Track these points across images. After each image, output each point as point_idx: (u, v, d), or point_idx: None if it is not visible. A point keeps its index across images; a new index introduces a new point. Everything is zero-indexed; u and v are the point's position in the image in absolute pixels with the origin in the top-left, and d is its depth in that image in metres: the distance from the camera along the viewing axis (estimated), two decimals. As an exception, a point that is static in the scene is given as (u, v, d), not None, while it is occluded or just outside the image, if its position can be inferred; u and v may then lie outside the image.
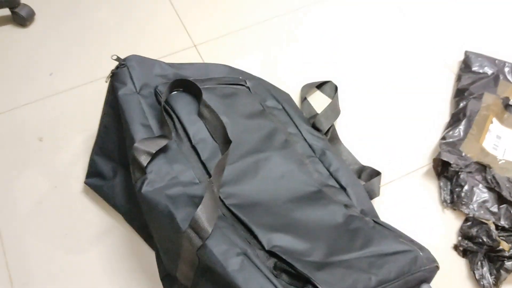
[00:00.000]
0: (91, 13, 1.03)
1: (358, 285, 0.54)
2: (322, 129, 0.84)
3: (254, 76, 0.87)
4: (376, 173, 0.81)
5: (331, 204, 0.68)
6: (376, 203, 0.81)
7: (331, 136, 0.86)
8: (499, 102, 0.91)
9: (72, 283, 0.72)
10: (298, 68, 0.97)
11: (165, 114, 0.69)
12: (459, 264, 0.77)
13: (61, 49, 0.97)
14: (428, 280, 0.61)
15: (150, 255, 0.74)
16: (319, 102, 0.92)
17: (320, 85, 0.94)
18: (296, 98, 0.92)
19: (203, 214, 0.56)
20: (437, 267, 0.62)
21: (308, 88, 0.93)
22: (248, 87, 0.82)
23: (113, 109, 0.72)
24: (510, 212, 0.78)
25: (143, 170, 0.62)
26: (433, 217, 0.81)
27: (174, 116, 0.70)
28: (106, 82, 0.74)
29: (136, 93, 0.70)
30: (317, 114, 0.88)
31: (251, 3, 1.06)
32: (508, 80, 0.95)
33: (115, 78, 0.72)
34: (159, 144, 0.64)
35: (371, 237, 0.62)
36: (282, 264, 0.55)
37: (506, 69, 0.96)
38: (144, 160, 0.62)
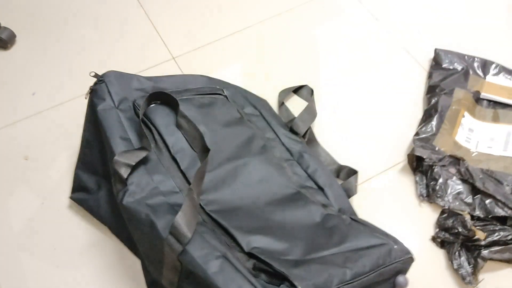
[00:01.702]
0: (70, 32, 1.05)
1: (334, 279, 0.56)
2: (300, 132, 0.87)
3: (231, 85, 0.89)
4: (353, 172, 0.84)
5: (309, 204, 0.71)
6: (355, 200, 0.83)
7: (309, 138, 0.89)
8: (469, 96, 0.94)
9: (62, 296, 0.74)
10: (275, 74, 1.00)
11: (144, 126, 0.71)
12: (438, 255, 0.79)
13: (43, 68, 0.99)
14: (403, 271, 0.64)
15: (136, 264, 0.76)
16: (296, 106, 0.95)
17: (296, 90, 0.97)
18: (274, 103, 0.95)
19: (182, 220, 0.58)
20: (412, 259, 0.64)
21: (285, 93, 0.96)
22: (225, 96, 0.85)
23: (94, 125, 0.74)
24: (484, 202, 0.81)
25: (124, 182, 0.64)
26: (410, 211, 0.83)
27: (153, 128, 0.72)
28: (86, 98, 0.76)
29: (115, 108, 0.73)
30: (295, 118, 0.91)
31: (227, 14, 1.09)
32: (478, 75, 0.98)
33: (94, 94, 0.74)
34: (138, 156, 0.66)
35: (346, 234, 0.65)
36: (260, 264, 0.58)
37: (476, 64, 0.99)
38: (124, 172, 0.64)
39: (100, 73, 0.77)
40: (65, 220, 0.81)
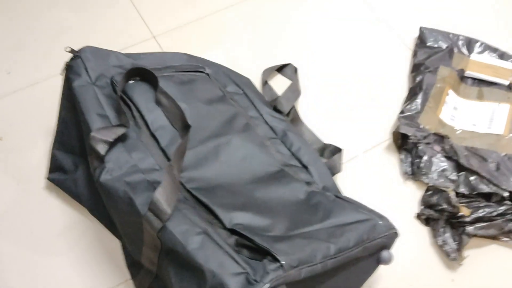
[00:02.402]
0: (46, 9, 1.02)
1: (317, 254, 0.55)
2: (283, 110, 0.85)
3: (213, 63, 0.87)
4: (337, 150, 0.83)
5: (293, 182, 0.69)
6: (340, 179, 0.82)
7: (293, 117, 0.87)
8: (454, 74, 0.94)
9: (40, 280, 0.72)
10: (259, 53, 0.98)
11: (123, 103, 0.69)
12: (423, 232, 0.79)
13: (18, 47, 0.96)
14: (387, 246, 0.63)
15: (116, 245, 0.75)
16: (280, 85, 0.93)
17: (280, 68, 0.95)
18: (257, 82, 0.93)
19: (162, 196, 0.56)
20: (396, 234, 0.64)
21: (269, 72, 0.94)
22: (207, 74, 0.83)
23: (70, 102, 0.72)
24: (469, 179, 0.81)
25: (101, 159, 0.62)
26: (396, 189, 0.83)
27: (131, 105, 0.70)
28: (62, 75, 0.73)
29: (91, 84, 0.70)
30: (279, 96, 0.89)
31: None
32: (463, 53, 0.97)
33: (70, 70, 0.72)
34: (116, 132, 0.64)
35: (331, 210, 0.64)
36: (243, 240, 0.56)
37: (460, 42, 0.98)
38: (101, 149, 0.62)
39: (74, 49, 0.74)
40: (42, 202, 0.78)
